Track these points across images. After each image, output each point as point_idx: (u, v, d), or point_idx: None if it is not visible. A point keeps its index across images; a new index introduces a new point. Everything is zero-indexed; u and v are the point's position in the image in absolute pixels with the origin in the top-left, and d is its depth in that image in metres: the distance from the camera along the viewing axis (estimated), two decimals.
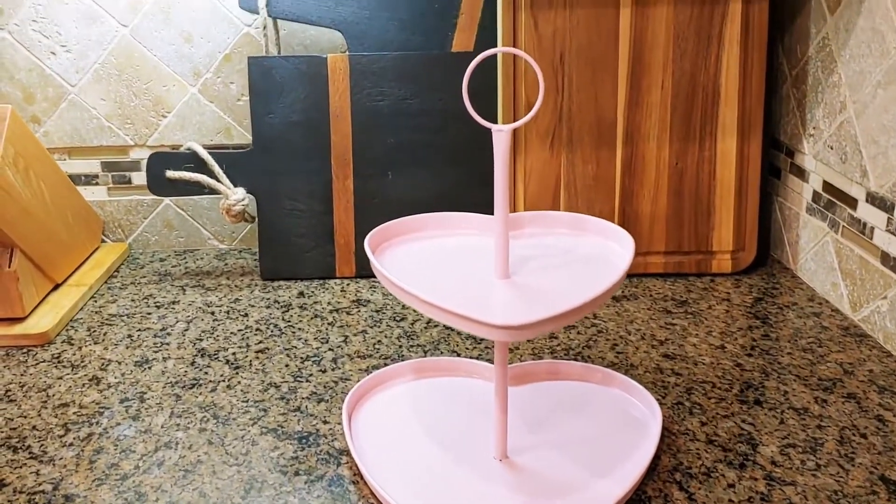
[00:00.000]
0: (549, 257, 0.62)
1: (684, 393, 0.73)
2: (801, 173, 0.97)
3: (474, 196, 0.99)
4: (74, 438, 0.67)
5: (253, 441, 0.67)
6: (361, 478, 0.62)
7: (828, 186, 0.91)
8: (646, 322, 0.87)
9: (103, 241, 1.09)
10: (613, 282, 0.54)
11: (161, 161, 0.96)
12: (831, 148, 0.90)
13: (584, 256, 0.62)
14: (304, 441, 0.67)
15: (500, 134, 0.55)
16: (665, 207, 0.97)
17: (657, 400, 0.72)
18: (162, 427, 0.69)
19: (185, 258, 1.07)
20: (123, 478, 0.62)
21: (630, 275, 0.99)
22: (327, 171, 0.97)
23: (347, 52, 0.97)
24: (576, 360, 0.79)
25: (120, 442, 0.67)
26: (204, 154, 0.95)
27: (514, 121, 0.95)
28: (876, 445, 0.65)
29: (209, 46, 1.02)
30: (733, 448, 0.65)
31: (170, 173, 0.95)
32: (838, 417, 0.69)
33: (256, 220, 0.99)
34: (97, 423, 0.70)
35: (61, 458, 0.65)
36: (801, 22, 0.96)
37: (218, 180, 0.95)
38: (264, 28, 0.96)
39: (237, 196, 0.95)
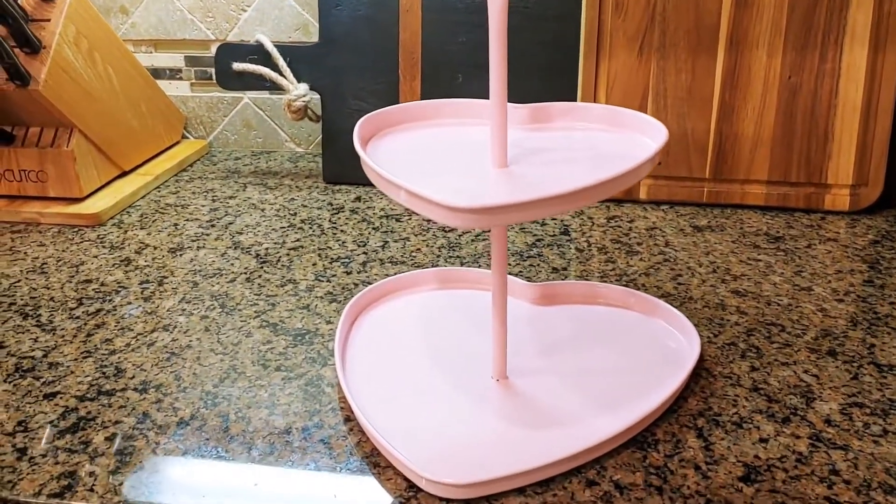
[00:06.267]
0: (566, 150, 0.53)
1: (743, 333, 0.62)
2: None
3: None
4: (83, 313, 0.67)
5: (248, 333, 0.63)
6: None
7: None
8: (724, 255, 0.75)
9: (185, 137, 1.09)
10: (617, 173, 0.45)
11: (228, 53, 0.93)
12: None
13: (608, 151, 0.52)
14: (298, 338, 0.62)
15: None
16: (772, 129, 0.83)
17: (706, 339, 0.61)
18: (167, 310, 0.67)
19: (259, 159, 1.05)
20: (111, 353, 0.61)
21: (723, 205, 0.86)
22: (394, 71, 0.91)
23: None
24: (628, 286, 0.69)
25: (123, 320, 0.66)
26: (270, 46, 0.91)
27: (599, 28, 0.84)
28: None
29: None
30: (782, 400, 0.54)
31: (236, 65, 0.92)
32: None
33: (321, 120, 0.94)
34: (110, 300, 0.69)
35: (62, 329, 0.64)
36: None
37: (281, 74, 0.91)
38: None
39: (298, 91, 0.91)
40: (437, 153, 0.53)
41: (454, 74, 0.90)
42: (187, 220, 0.86)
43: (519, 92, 0.89)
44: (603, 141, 0.54)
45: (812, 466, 0.48)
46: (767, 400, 0.54)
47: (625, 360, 0.58)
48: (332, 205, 0.89)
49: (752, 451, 0.49)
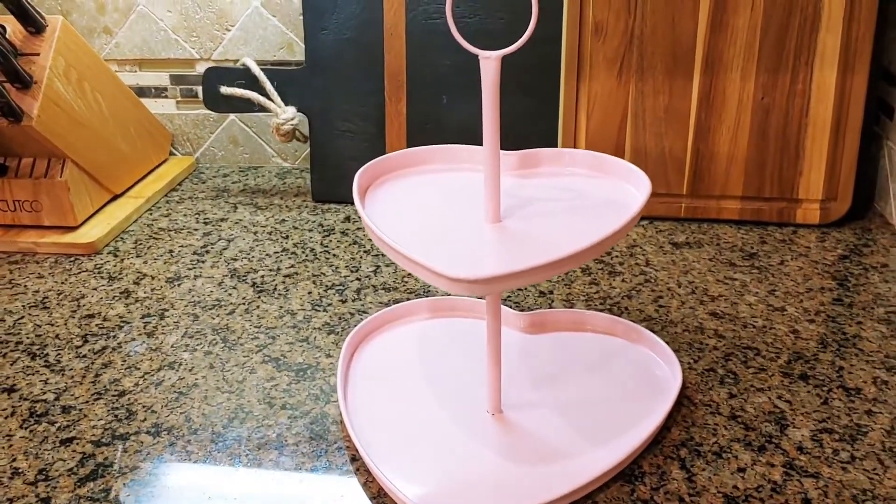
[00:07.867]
0: (555, 200, 0.56)
1: (721, 359, 0.66)
2: None
3: (537, 127, 0.92)
4: (89, 350, 0.69)
5: (252, 369, 0.66)
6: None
7: None
8: (702, 274, 0.79)
9: (172, 154, 1.11)
10: (608, 233, 0.48)
11: (216, 76, 0.94)
12: None
13: (595, 200, 0.55)
14: (301, 374, 0.65)
15: (488, 62, 0.49)
16: (746, 147, 0.87)
17: (687, 365, 0.65)
18: (171, 346, 0.69)
19: (247, 175, 1.07)
20: (121, 394, 0.63)
21: (700, 220, 0.90)
22: (380, 93, 0.93)
23: None
24: (612, 310, 0.73)
25: (129, 358, 0.68)
26: (256, 70, 0.93)
27: (580, 51, 0.86)
28: None
29: None
30: (758, 427, 0.58)
31: (223, 89, 0.94)
32: None
33: (309, 140, 0.96)
34: (114, 336, 0.71)
35: (71, 370, 0.66)
36: None
37: (269, 98, 0.93)
38: None
39: (287, 115, 0.93)
40: (432, 205, 0.56)
41: (439, 96, 0.92)
42: (181, 245, 0.88)
43: (504, 112, 0.92)
44: (590, 187, 0.57)
45: (786, 495, 0.52)
46: (744, 428, 0.58)
47: (613, 390, 0.61)
48: (322, 226, 0.92)
49: (731, 481, 0.53)
